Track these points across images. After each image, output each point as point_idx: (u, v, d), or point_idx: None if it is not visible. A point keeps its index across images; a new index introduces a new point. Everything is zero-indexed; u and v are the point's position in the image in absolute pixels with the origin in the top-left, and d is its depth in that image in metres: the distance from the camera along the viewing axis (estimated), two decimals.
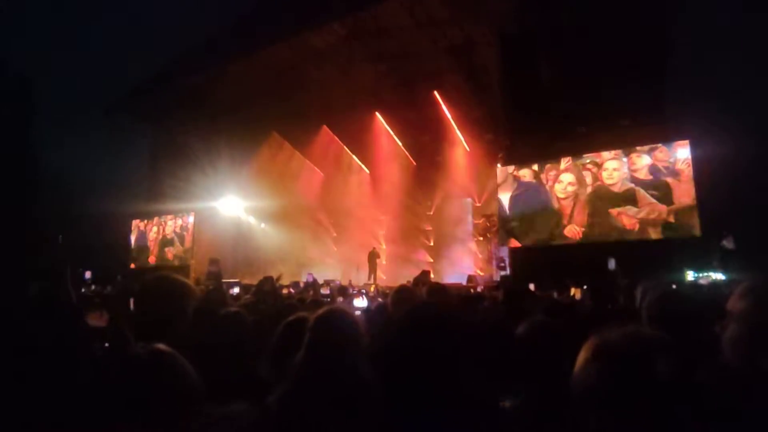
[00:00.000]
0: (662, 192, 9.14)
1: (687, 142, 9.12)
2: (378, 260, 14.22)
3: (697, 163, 8.90)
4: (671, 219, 8.95)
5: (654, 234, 9.06)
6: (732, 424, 1.21)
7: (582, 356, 1.21)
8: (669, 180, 9.13)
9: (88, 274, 10.45)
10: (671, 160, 9.23)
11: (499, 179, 11.27)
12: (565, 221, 10.06)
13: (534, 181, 10.58)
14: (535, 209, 10.46)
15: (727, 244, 7.21)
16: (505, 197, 11.07)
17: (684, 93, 9.87)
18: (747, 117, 9.49)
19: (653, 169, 9.32)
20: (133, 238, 17.42)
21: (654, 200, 9.15)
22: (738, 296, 1.48)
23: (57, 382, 1.28)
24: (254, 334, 2.08)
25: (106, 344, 1.74)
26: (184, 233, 15.93)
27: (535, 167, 10.64)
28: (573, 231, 9.93)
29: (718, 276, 7.82)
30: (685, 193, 8.91)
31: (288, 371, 1.49)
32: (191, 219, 15.79)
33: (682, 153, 9.13)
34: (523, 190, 10.69)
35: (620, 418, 1.00)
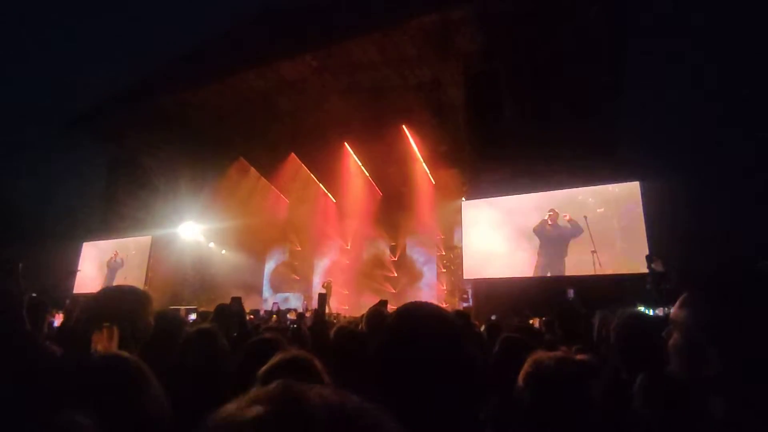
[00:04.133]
0: (614, 229, 9.64)
1: (638, 183, 9.74)
2: (330, 292, 14.11)
3: (647, 201, 9.48)
4: (623, 255, 9.42)
5: (607, 270, 9.48)
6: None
7: (519, 379, 1.30)
8: (621, 217, 9.66)
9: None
10: (623, 198, 9.80)
11: (463, 213, 11.58)
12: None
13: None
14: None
15: (656, 267, 7.55)
16: (467, 230, 11.36)
17: (636, 135, 10.62)
18: (693, 158, 10.28)
19: (607, 207, 9.86)
20: (82, 261, 16.49)
21: (608, 237, 9.63)
22: (678, 305, 1.64)
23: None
24: (227, 354, 2.05)
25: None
26: (136, 258, 15.25)
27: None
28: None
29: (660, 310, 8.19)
30: (635, 231, 9.43)
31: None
32: (148, 243, 15.17)
33: (633, 192, 9.72)
34: None
35: None
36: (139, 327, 1.65)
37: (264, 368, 1.41)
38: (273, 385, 0.40)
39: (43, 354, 1.82)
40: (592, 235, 9.60)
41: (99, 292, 1.76)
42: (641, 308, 9.11)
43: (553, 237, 10.31)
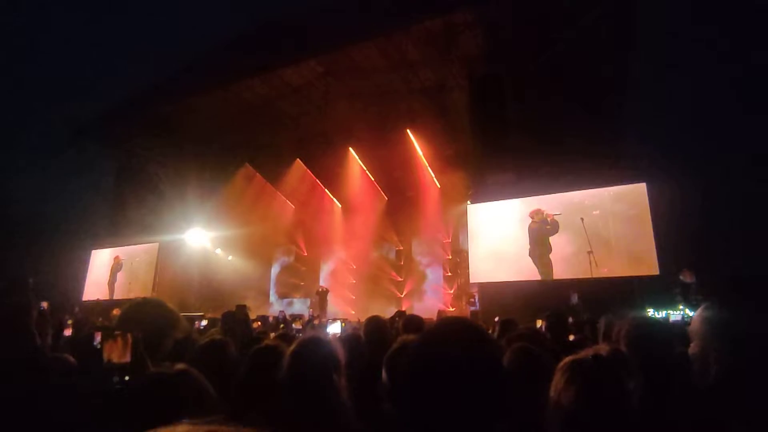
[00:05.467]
0: (622, 231, 9.57)
1: (644, 184, 9.67)
2: (326, 299, 14.19)
3: (654, 203, 9.41)
4: (631, 258, 9.35)
5: (615, 272, 9.41)
6: None
7: (558, 380, 1.28)
8: (628, 219, 9.59)
9: (44, 305, 9.84)
10: (630, 200, 9.73)
11: (469, 216, 11.57)
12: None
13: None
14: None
15: (685, 278, 7.56)
16: (473, 234, 11.34)
17: (641, 137, 10.55)
18: (699, 159, 10.19)
19: (613, 209, 9.80)
20: (91, 268, 16.63)
21: (613, 238, 9.57)
22: (696, 317, 1.67)
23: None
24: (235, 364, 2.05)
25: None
26: (143, 264, 15.34)
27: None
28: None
29: (679, 314, 8.14)
30: (643, 233, 9.36)
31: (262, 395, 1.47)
32: (156, 250, 15.26)
33: (639, 194, 9.65)
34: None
35: None
36: (165, 343, 1.65)
37: None
38: None
39: (53, 366, 1.82)
40: (590, 238, 9.59)
41: (132, 306, 1.77)
42: (650, 311, 9.07)
43: (536, 236, 10.38)
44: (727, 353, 1.62)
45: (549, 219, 10.35)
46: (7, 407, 1.37)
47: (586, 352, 1.32)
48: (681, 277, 7.49)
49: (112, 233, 15.96)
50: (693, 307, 7.18)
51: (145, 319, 1.62)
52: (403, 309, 13.07)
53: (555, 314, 3.80)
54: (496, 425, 0.92)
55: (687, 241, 9.10)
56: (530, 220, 10.60)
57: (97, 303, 14.43)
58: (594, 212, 9.86)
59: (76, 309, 11.07)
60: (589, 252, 9.45)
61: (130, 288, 15.09)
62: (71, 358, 1.96)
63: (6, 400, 1.42)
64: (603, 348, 1.31)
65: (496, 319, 7.34)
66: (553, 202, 10.47)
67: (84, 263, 16.58)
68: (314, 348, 1.55)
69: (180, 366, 1.13)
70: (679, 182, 9.25)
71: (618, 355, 1.24)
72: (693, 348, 1.75)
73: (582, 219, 9.74)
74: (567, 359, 1.30)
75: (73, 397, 1.41)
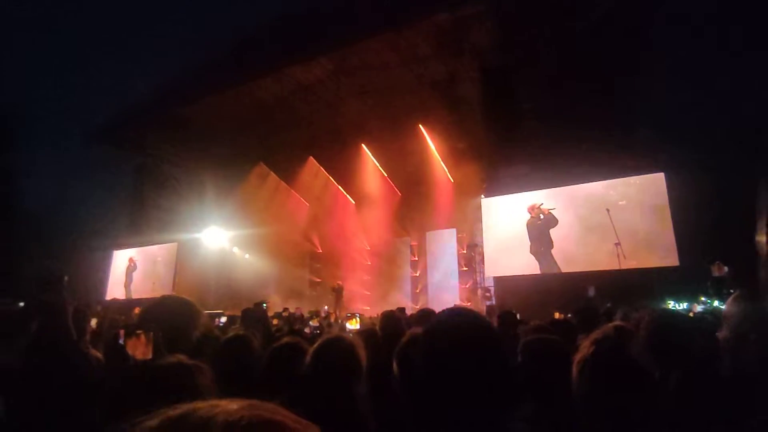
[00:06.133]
0: (639, 221, 9.42)
1: (662, 174, 9.49)
2: (342, 295, 14.24)
3: (673, 193, 9.23)
4: (649, 248, 9.20)
5: (633, 263, 9.27)
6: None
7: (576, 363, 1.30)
8: (646, 210, 9.43)
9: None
10: (647, 190, 9.57)
11: (483, 210, 11.50)
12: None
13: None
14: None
15: (716, 271, 7.42)
16: (488, 227, 11.28)
17: (659, 125, 10.32)
18: (719, 147, 9.94)
19: (630, 200, 9.64)
20: (112, 269, 17.00)
21: (632, 230, 9.42)
22: (729, 303, 1.70)
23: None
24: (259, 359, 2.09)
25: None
26: (165, 264, 15.63)
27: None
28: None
29: (701, 306, 8.01)
30: (661, 223, 9.19)
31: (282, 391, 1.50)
32: (175, 249, 15.53)
33: (657, 183, 9.48)
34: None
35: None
36: (183, 338, 1.69)
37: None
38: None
39: (88, 361, 1.89)
40: (616, 228, 9.45)
41: (155, 303, 1.82)
42: (671, 303, 8.93)
43: (537, 232, 10.31)
44: (760, 341, 1.62)
45: (545, 213, 10.29)
46: (50, 401, 1.42)
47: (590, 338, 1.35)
48: (713, 269, 7.32)
49: (132, 233, 16.28)
50: (722, 300, 7.03)
51: (164, 317, 1.66)
52: (418, 304, 13.12)
53: (586, 308, 3.79)
54: (505, 418, 0.94)
55: (707, 231, 8.89)
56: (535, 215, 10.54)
57: (113, 302, 14.73)
58: (621, 202, 9.70)
59: (99, 307, 11.33)
60: (617, 244, 9.27)
61: (154, 288, 15.40)
62: (99, 354, 2.04)
63: (48, 394, 1.48)
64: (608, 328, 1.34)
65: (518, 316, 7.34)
66: (571, 195, 10.35)
67: (106, 263, 16.96)
68: (337, 347, 1.58)
69: (174, 358, 1.16)
70: (698, 172, 9.01)
71: (621, 332, 1.26)
72: (723, 334, 1.75)
73: (608, 210, 9.57)
74: (583, 350, 1.31)
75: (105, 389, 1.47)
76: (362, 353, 1.55)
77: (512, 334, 3.20)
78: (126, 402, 1.09)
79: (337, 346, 1.55)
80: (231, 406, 0.40)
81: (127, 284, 16.09)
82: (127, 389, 1.08)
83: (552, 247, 10.09)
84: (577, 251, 9.88)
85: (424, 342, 1.03)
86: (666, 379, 1.65)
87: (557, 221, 10.18)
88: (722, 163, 9.52)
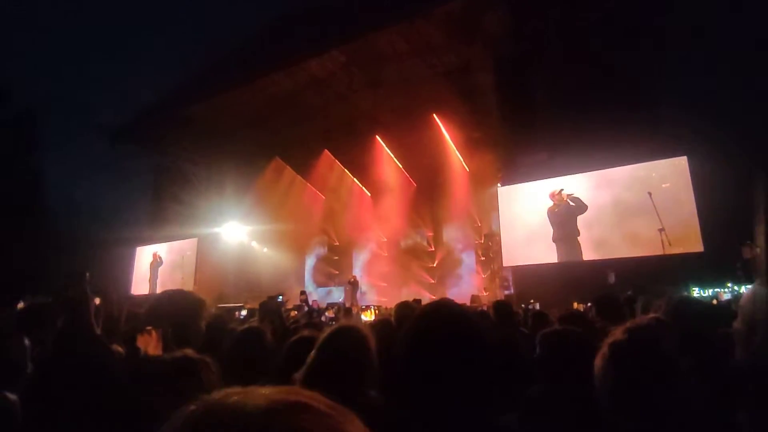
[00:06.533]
0: (662, 207, 9.20)
1: (685, 157, 9.24)
2: (358, 288, 14.27)
3: (696, 177, 8.98)
4: (673, 234, 8.98)
5: (656, 250, 9.07)
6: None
7: (599, 358, 1.28)
8: (668, 195, 9.20)
9: (97, 301, 10.40)
10: (670, 175, 9.33)
11: (500, 199, 11.40)
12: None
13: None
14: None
15: (747, 253, 7.22)
16: (505, 216, 11.18)
17: (680, 108, 10.04)
18: (741, 130, 9.63)
19: (651, 185, 9.41)
20: (136, 264, 17.42)
21: (654, 216, 9.21)
22: (745, 294, 1.65)
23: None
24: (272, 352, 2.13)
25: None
26: (188, 259, 15.94)
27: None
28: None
29: (728, 292, 7.81)
30: (685, 208, 8.96)
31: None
32: (195, 245, 15.82)
33: (680, 168, 9.24)
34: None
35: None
36: (191, 332, 1.73)
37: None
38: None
39: (112, 356, 1.95)
40: (638, 214, 9.24)
41: (154, 297, 1.86)
42: (695, 290, 8.72)
43: (562, 219, 10.06)
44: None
45: (567, 199, 10.09)
46: (73, 396, 1.47)
47: (624, 327, 1.32)
48: (745, 253, 7.12)
49: (153, 230, 16.61)
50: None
51: (170, 312, 1.70)
52: (435, 296, 13.11)
53: (605, 296, 3.72)
54: (494, 410, 0.94)
55: (730, 217, 8.62)
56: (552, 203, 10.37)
57: (131, 297, 15.05)
58: (639, 188, 9.43)
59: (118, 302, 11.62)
60: (661, 230, 8.93)
61: (175, 282, 15.72)
62: (120, 349, 2.10)
63: (73, 389, 1.53)
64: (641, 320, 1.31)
65: (531, 305, 7.26)
66: (589, 180, 10.17)
67: (129, 260, 17.38)
68: (346, 334, 1.59)
69: (181, 352, 1.19)
70: (721, 155, 8.73)
71: (659, 324, 1.24)
72: (737, 324, 1.71)
73: (650, 193, 9.26)
74: (615, 336, 1.29)
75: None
76: (372, 343, 1.55)
77: (512, 323, 3.17)
78: (135, 394, 1.13)
79: (347, 336, 1.53)
80: (265, 390, 0.42)
81: (152, 279, 16.46)
82: (136, 382, 1.11)
83: (578, 234, 9.90)
84: (611, 237, 9.63)
85: (403, 337, 1.04)
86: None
87: (586, 207, 9.97)
88: (747, 146, 9.21)
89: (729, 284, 8.36)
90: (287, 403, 0.40)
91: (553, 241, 10.14)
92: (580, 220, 9.99)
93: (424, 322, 1.00)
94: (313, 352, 1.49)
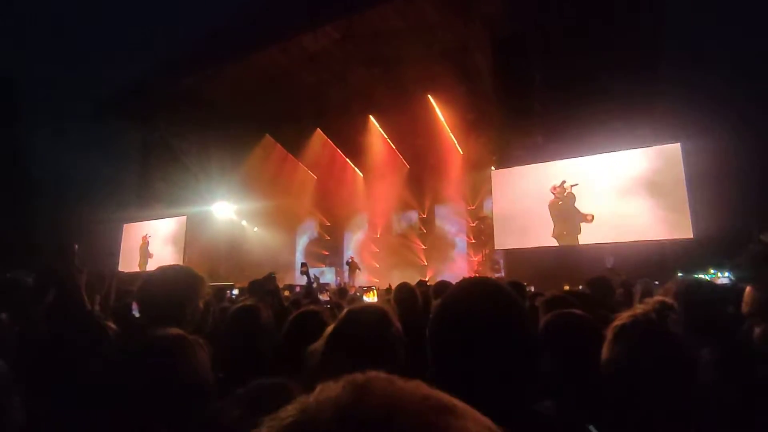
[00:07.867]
0: (654, 193, 9.26)
1: (678, 144, 9.25)
2: (354, 269, 14.25)
3: (689, 164, 9.01)
4: (664, 220, 9.06)
5: (647, 236, 9.15)
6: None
7: (606, 342, 1.23)
8: (660, 181, 9.25)
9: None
10: (663, 161, 9.36)
11: (493, 182, 11.36)
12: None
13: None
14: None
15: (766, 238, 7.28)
16: (498, 200, 11.17)
17: (674, 95, 10.02)
18: (736, 118, 9.65)
19: (645, 171, 9.45)
20: (123, 242, 17.19)
21: (647, 201, 9.27)
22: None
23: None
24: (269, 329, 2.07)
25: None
26: (177, 236, 15.76)
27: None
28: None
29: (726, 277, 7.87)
30: (676, 195, 9.03)
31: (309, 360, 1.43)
32: (184, 223, 15.63)
33: (673, 154, 9.26)
34: None
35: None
36: (188, 310, 1.66)
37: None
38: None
39: (105, 331, 1.88)
40: (630, 199, 9.29)
41: (152, 273, 1.78)
42: (702, 276, 8.81)
43: (564, 214, 10.06)
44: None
45: (572, 187, 10.08)
46: (67, 371, 1.41)
47: (634, 311, 1.26)
48: (761, 237, 7.17)
49: (141, 207, 16.35)
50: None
51: (164, 288, 1.63)
52: (428, 277, 13.16)
53: (599, 278, 3.69)
54: (526, 394, 0.88)
55: (724, 204, 8.67)
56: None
57: (116, 274, 14.79)
58: (633, 173, 9.46)
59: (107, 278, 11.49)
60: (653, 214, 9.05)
61: (164, 261, 15.54)
62: (113, 325, 2.02)
63: (65, 364, 1.47)
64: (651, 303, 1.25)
65: (531, 289, 7.26)
66: (584, 166, 10.16)
67: (117, 236, 17.12)
68: (369, 313, 1.44)
69: (173, 331, 1.13)
70: (715, 142, 8.72)
71: (667, 308, 1.18)
72: (744, 308, 1.71)
73: (643, 179, 9.34)
74: (618, 321, 1.24)
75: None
76: (398, 326, 1.39)
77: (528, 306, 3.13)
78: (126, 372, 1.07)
79: (367, 320, 1.33)
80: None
81: (143, 256, 16.29)
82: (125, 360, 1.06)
83: (579, 232, 9.86)
84: (605, 221, 9.64)
85: (437, 315, 0.97)
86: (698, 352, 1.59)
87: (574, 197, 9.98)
88: (743, 132, 9.24)
89: (727, 274, 8.40)
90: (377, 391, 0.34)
91: (553, 237, 10.12)
92: (584, 207, 9.98)
93: (463, 302, 0.93)
94: (331, 326, 1.36)
